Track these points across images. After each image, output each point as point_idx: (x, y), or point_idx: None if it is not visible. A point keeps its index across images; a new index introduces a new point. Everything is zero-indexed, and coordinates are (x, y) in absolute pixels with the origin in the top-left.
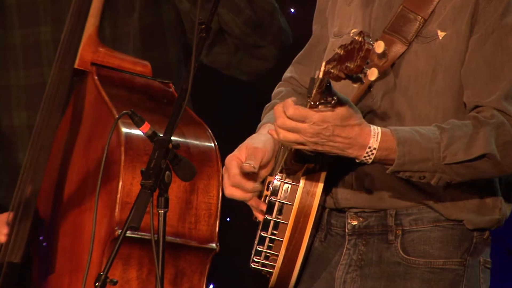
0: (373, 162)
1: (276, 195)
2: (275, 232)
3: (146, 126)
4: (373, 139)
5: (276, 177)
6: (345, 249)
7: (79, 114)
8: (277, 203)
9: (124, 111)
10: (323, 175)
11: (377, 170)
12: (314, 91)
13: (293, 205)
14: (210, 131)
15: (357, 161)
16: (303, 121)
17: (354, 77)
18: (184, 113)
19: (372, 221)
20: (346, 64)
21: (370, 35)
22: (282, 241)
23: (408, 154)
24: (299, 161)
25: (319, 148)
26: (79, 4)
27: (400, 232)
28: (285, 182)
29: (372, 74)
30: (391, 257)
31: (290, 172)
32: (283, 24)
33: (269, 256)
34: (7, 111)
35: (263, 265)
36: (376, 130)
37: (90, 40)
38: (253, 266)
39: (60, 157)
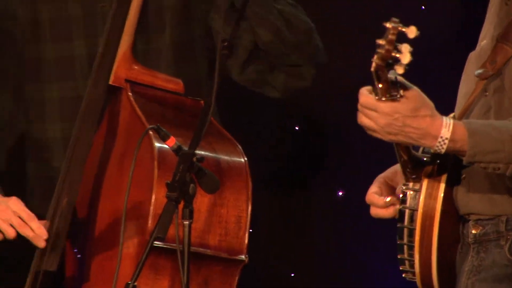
0: (445, 152)
1: (405, 203)
2: (410, 238)
3: (172, 141)
4: (445, 129)
5: (402, 187)
6: (470, 256)
7: (113, 129)
8: (406, 211)
9: (150, 126)
10: (443, 177)
11: (488, 175)
12: (377, 86)
13: (418, 210)
14: (240, 147)
15: (431, 151)
16: (374, 110)
17: (390, 63)
18: (215, 129)
19: (488, 228)
20: (378, 50)
21: (399, 22)
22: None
23: (478, 145)
24: (415, 167)
25: (393, 137)
26: (114, 22)
27: (510, 237)
28: (410, 190)
29: (404, 56)
30: (501, 261)
31: (412, 179)
32: (319, 43)
33: (411, 262)
34: (41, 123)
35: (410, 272)
36: (448, 121)
37: (124, 58)
38: (404, 276)
39: (95, 170)
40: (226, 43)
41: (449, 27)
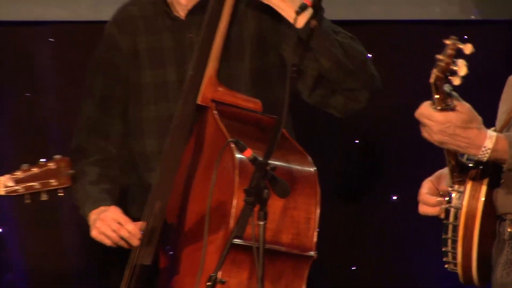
0: (487, 160)
1: (451, 202)
2: (454, 234)
3: (248, 152)
4: (489, 140)
5: (449, 188)
6: (505, 251)
7: (200, 143)
8: (452, 210)
9: (230, 139)
10: (485, 181)
11: None
12: (434, 96)
13: (462, 209)
14: (310, 158)
15: (475, 158)
16: (429, 119)
17: (448, 75)
18: (288, 143)
19: None
20: (438, 63)
21: (457, 39)
22: (457, 240)
23: None
24: (461, 171)
25: (443, 144)
26: (201, 50)
27: None
28: (455, 191)
29: (461, 69)
30: None
31: (458, 182)
32: (374, 71)
33: (453, 254)
34: (141, 139)
35: (452, 263)
36: (492, 134)
37: (210, 81)
38: (446, 266)
39: (184, 178)
40: (295, 69)
41: (492, 55)
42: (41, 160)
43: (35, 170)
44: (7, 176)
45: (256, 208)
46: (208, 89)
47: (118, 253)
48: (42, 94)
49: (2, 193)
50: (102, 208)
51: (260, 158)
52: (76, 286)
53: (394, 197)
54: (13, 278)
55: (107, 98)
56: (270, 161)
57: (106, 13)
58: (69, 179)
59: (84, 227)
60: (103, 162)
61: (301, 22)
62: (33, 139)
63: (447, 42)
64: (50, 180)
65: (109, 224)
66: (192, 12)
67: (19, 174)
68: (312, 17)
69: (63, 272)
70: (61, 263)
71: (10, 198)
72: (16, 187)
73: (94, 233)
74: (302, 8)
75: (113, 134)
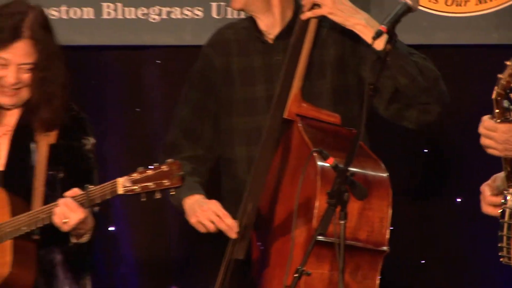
0: None
1: (506, 204)
2: (509, 231)
3: (331, 160)
4: None
5: (505, 191)
6: None
7: (287, 152)
8: (507, 210)
9: (314, 149)
10: None
11: None
12: (494, 111)
13: None
14: (383, 165)
15: None
16: (494, 131)
17: (508, 92)
18: (364, 151)
19: None
20: (499, 81)
21: None
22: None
23: None
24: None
25: (509, 153)
26: (287, 70)
27: None
28: (511, 194)
29: None
30: None
31: None
32: (444, 88)
33: (508, 249)
34: (231, 147)
35: (506, 257)
36: None
37: (295, 97)
38: (501, 260)
39: (273, 182)
40: (372, 87)
41: None
42: (155, 163)
43: (150, 172)
44: (125, 177)
45: (338, 209)
46: (294, 105)
47: (216, 248)
48: (150, 109)
49: (121, 192)
50: (196, 196)
51: (341, 165)
52: (179, 277)
53: (458, 199)
54: (124, 271)
55: (200, 108)
56: (349, 168)
57: (207, 39)
58: (180, 180)
59: (187, 225)
60: (194, 159)
61: (379, 45)
62: (142, 149)
63: (508, 63)
64: (163, 181)
65: (209, 215)
66: (278, 37)
67: (135, 175)
68: (387, 41)
69: (169, 265)
70: (167, 257)
71: (121, 200)
72: (133, 187)
73: (193, 220)
74: (377, 34)
75: (202, 138)
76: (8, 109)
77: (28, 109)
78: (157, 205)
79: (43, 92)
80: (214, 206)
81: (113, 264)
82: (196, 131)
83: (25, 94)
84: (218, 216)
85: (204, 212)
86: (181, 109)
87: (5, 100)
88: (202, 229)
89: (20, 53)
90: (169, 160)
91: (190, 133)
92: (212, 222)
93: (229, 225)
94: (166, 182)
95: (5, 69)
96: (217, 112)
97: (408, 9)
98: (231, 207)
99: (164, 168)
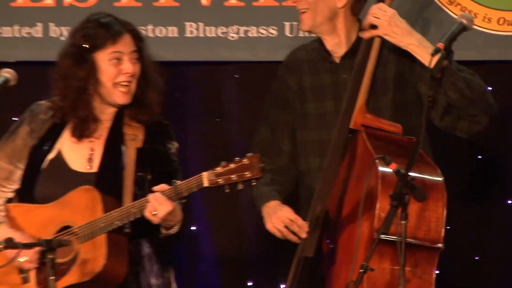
0: None
1: None
2: None
3: (393, 165)
4: None
5: None
6: None
7: (353, 159)
8: None
9: (377, 156)
10: None
11: None
12: None
13: None
14: (439, 170)
15: None
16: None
17: None
18: (423, 158)
19: None
20: None
21: None
22: None
23: None
24: None
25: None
26: (353, 86)
27: None
28: None
29: None
30: None
31: None
32: (492, 100)
33: None
34: (306, 157)
35: None
36: None
37: (360, 110)
38: None
39: (340, 187)
40: (430, 99)
41: None
42: (236, 157)
43: (232, 165)
44: (210, 171)
45: (399, 210)
46: (359, 116)
47: (288, 247)
48: (228, 119)
49: (206, 184)
50: (272, 202)
51: (402, 171)
52: (255, 272)
53: (509, 201)
54: (204, 268)
55: (279, 124)
56: (410, 173)
57: (280, 55)
58: (260, 171)
59: (262, 224)
60: (275, 170)
61: (433, 62)
62: (221, 154)
63: None
64: (244, 173)
65: (283, 220)
66: (344, 57)
67: (219, 169)
68: (444, 58)
69: (245, 261)
70: (243, 254)
71: (202, 202)
72: (218, 179)
73: (269, 226)
74: (436, 51)
75: (283, 151)
76: (106, 112)
77: (132, 103)
78: (235, 206)
79: (146, 86)
80: (286, 211)
81: (194, 261)
82: (276, 146)
83: (134, 87)
84: (290, 220)
85: (278, 219)
86: (262, 126)
87: (120, 98)
88: (278, 235)
89: (129, 42)
90: (249, 154)
91: (270, 150)
92: (285, 226)
93: (300, 227)
94: (247, 174)
95: (120, 64)
96: (293, 126)
97: (464, 28)
98: (305, 214)
99: (245, 161)
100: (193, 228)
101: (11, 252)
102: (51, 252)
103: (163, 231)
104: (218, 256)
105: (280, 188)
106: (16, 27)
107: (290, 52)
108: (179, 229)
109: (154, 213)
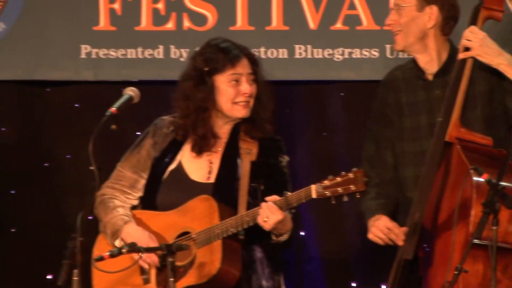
0: None
1: None
2: None
3: (485, 176)
4: None
5: None
6: None
7: (447, 169)
8: None
9: (471, 167)
10: None
11: None
12: None
13: None
14: None
15: None
16: None
17: None
18: None
19: None
20: None
21: None
22: None
23: None
24: None
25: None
26: (448, 102)
27: None
28: None
29: None
30: None
31: None
32: None
33: None
34: (402, 168)
35: None
36: None
37: (455, 124)
38: None
39: (436, 195)
40: None
41: None
42: (342, 172)
43: (338, 179)
44: (318, 184)
45: (490, 217)
46: (453, 130)
47: (389, 250)
48: (334, 134)
49: (315, 196)
50: (376, 216)
51: (494, 180)
52: (359, 274)
53: None
54: (311, 269)
55: (381, 139)
56: (501, 182)
57: (382, 75)
58: (364, 185)
59: (365, 230)
60: (380, 184)
61: None
62: (328, 167)
63: None
64: (350, 186)
65: (381, 229)
66: (436, 75)
67: (326, 182)
68: None
69: (349, 263)
70: (348, 257)
71: (310, 209)
72: (325, 192)
73: (370, 236)
74: None
75: (387, 164)
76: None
77: (247, 120)
78: (340, 213)
79: (259, 105)
80: (384, 221)
81: (302, 264)
82: (381, 160)
83: (252, 104)
84: (388, 228)
85: (377, 228)
86: (367, 143)
87: (240, 113)
88: (379, 242)
89: (246, 65)
90: (354, 169)
91: (376, 163)
92: (384, 234)
93: (397, 234)
94: (352, 187)
95: (239, 85)
96: (393, 139)
97: None
98: (404, 222)
99: (351, 175)
100: (302, 233)
101: (135, 255)
102: (171, 256)
103: (274, 238)
104: (325, 259)
105: (386, 201)
106: (139, 49)
107: (388, 72)
108: (289, 237)
109: (265, 219)
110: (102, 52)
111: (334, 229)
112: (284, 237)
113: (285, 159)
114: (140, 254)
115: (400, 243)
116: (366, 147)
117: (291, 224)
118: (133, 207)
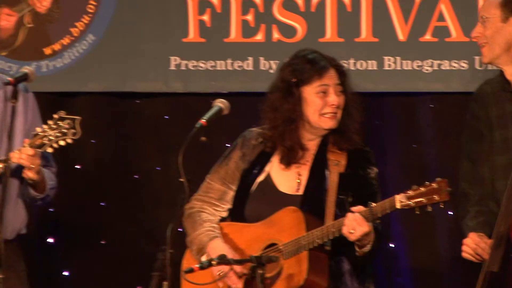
0: None
1: None
2: None
3: None
4: None
5: None
6: None
7: None
8: None
9: None
10: None
11: None
12: None
13: None
14: None
15: None
16: None
17: None
18: None
19: None
20: None
21: None
22: None
23: None
24: None
25: None
26: None
27: None
28: None
29: None
30: None
31: None
32: None
33: None
34: (495, 181)
35: None
36: None
37: None
38: None
39: None
40: None
41: None
42: (426, 182)
43: (422, 189)
44: (402, 194)
45: None
46: None
47: (475, 262)
48: (424, 146)
49: (398, 206)
50: (471, 234)
51: None
52: (449, 284)
53: None
54: (402, 280)
55: (476, 154)
56: None
57: (471, 87)
58: (447, 195)
59: (452, 240)
60: (480, 201)
61: None
62: (417, 179)
63: None
64: (433, 196)
65: (469, 246)
66: None
67: (410, 192)
68: None
69: (438, 274)
70: (438, 269)
71: (399, 221)
72: (409, 202)
73: (463, 255)
74: None
75: (485, 179)
76: (312, 140)
77: (335, 132)
78: (429, 224)
79: (347, 116)
80: (470, 238)
81: (392, 275)
82: (479, 176)
83: (339, 116)
84: (475, 245)
85: (465, 245)
86: (462, 161)
87: (327, 124)
88: (471, 259)
89: (333, 76)
90: (438, 179)
91: (473, 180)
92: (474, 250)
93: (483, 249)
94: (436, 197)
95: (326, 96)
96: (486, 153)
97: None
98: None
99: (434, 185)
100: (391, 245)
101: (223, 267)
102: (261, 268)
103: (357, 249)
104: (415, 270)
105: (486, 218)
106: (229, 61)
107: (477, 87)
108: (372, 248)
109: (351, 231)
110: (191, 64)
111: (424, 240)
112: (367, 248)
113: (373, 170)
114: (230, 266)
115: (486, 256)
116: (462, 165)
117: (374, 235)
118: (223, 219)
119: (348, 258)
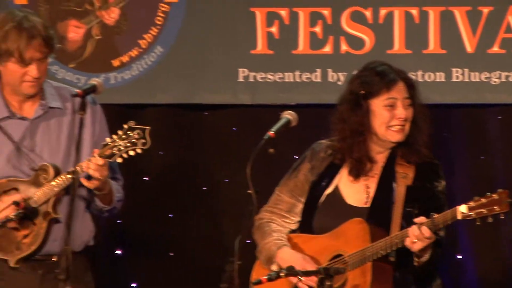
0: None
1: None
2: None
3: None
4: None
5: None
6: None
7: None
8: None
9: None
10: None
11: None
12: None
13: None
14: None
15: None
16: None
17: None
18: None
19: None
20: None
21: None
22: None
23: None
24: None
25: None
26: None
27: None
28: None
29: None
30: None
31: None
32: None
33: None
34: None
35: None
36: None
37: None
38: None
39: None
40: None
41: None
42: (487, 193)
43: (483, 200)
44: (463, 205)
45: None
46: None
47: None
48: (492, 157)
49: (459, 217)
50: None
51: None
52: None
53: None
54: None
55: None
56: None
57: None
58: (507, 206)
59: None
60: None
61: None
62: (485, 190)
63: None
64: (494, 207)
65: None
66: None
67: (471, 203)
68: None
69: (508, 285)
70: (506, 281)
71: (467, 232)
72: (470, 213)
73: None
74: None
75: None
76: (380, 153)
77: (403, 144)
78: (497, 236)
79: (416, 129)
80: None
81: (460, 287)
82: None
83: (407, 129)
84: None
85: None
86: None
87: (394, 137)
88: None
89: (402, 89)
90: (499, 190)
91: None
92: None
93: None
94: (496, 208)
95: (394, 109)
96: None
97: None
98: None
99: (495, 196)
100: (459, 256)
101: (293, 279)
102: (329, 279)
103: (416, 259)
104: (483, 281)
105: None
106: (297, 73)
107: None
108: (430, 257)
109: (414, 240)
110: (259, 76)
111: (491, 251)
112: (425, 257)
113: (441, 183)
114: (298, 277)
115: None
116: None
117: (431, 245)
118: (292, 231)
119: (411, 268)
